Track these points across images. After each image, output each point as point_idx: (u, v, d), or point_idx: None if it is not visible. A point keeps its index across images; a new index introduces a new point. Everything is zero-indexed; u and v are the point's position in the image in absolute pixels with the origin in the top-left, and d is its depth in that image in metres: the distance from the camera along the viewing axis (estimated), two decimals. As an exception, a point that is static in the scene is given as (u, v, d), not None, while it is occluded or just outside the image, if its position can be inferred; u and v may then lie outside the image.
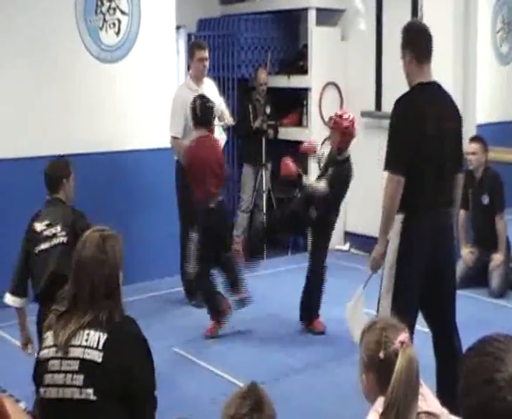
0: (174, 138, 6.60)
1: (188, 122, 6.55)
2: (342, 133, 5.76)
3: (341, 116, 5.84)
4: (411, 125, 4.02)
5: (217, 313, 5.96)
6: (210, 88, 6.85)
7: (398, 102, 4.26)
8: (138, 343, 2.80)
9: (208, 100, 6.04)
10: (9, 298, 4.52)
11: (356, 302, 4.38)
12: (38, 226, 4.44)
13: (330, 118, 6.15)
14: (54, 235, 4.38)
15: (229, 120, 6.95)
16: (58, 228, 4.38)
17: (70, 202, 4.65)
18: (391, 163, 4.06)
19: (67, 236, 4.33)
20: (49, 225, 4.42)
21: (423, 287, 4.08)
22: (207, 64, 6.76)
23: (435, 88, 4.22)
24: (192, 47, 6.87)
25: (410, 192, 4.01)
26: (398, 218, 4.08)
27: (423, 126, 4.00)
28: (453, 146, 4.18)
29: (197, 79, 6.72)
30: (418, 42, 4.16)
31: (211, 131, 6.08)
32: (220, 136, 6.84)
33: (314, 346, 5.61)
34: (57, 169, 4.69)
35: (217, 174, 5.92)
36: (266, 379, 4.81)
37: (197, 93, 6.64)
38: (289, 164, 5.97)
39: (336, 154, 5.84)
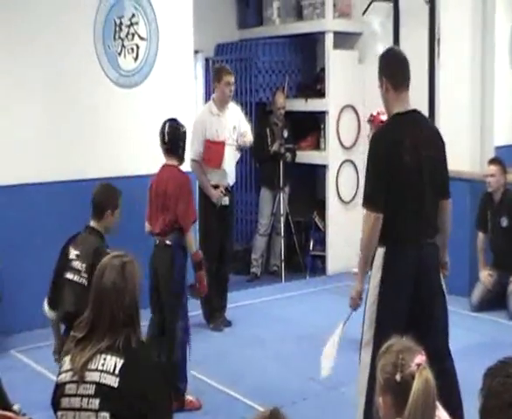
0: (194, 161, 6.63)
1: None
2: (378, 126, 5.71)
3: (378, 113, 5.81)
4: (387, 159, 3.94)
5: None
6: (235, 113, 6.86)
7: (375, 136, 4.22)
8: (155, 369, 2.80)
9: (180, 125, 5.34)
10: (45, 307, 4.59)
11: (334, 339, 4.33)
12: (71, 252, 4.47)
13: (370, 115, 6.12)
14: (79, 271, 4.40)
15: (244, 141, 6.94)
16: (84, 266, 4.39)
17: (108, 232, 4.62)
18: (369, 200, 4.00)
19: (88, 279, 4.30)
20: (78, 257, 4.43)
21: (410, 317, 3.98)
22: (233, 89, 6.77)
23: (413, 117, 4.14)
24: (220, 71, 6.83)
25: (390, 224, 3.95)
26: (380, 251, 4.00)
27: (399, 158, 3.92)
28: (435, 174, 4.06)
29: (222, 104, 6.72)
30: (394, 69, 4.11)
31: (181, 161, 5.32)
32: (234, 153, 6.86)
33: (334, 369, 5.57)
34: (105, 199, 4.65)
35: (164, 209, 5.10)
36: (284, 402, 4.81)
37: (218, 118, 6.68)
38: None
39: None
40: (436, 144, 4.14)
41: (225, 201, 6.68)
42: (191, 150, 6.56)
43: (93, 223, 4.60)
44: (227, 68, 6.91)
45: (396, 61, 4.17)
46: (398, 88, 4.06)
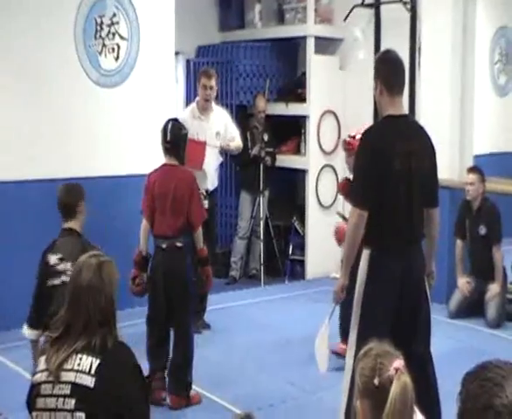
0: None
1: None
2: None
3: (353, 137, 5.71)
4: (376, 160, 3.95)
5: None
6: (220, 119, 6.76)
7: (365, 134, 4.22)
8: (131, 370, 2.77)
9: (182, 126, 5.40)
10: (25, 330, 4.51)
11: (323, 334, 4.35)
12: (52, 259, 4.40)
13: (344, 141, 6.00)
14: (65, 271, 4.32)
15: (228, 146, 6.89)
16: (69, 265, 4.30)
17: (82, 228, 4.59)
18: (354, 197, 4.05)
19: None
20: (61, 259, 4.38)
21: (394, 322, 3.98)
22: (212, 93, 6.65)
23: (405, 121, 4.17)
24: (200, 73, 6.79)
25: (377, 227, 3.96)
26: (366, 253, 4.02)
27: (389, 161, 3.93)
28: (424, 181, 4.07)
29: (202, 107, 6.64)
30: (389, 73, 4.11)
31: (182, 162, 5.30)
32: (217, 156, 6.81)
33: (312, 373, 5.57)
34: (72, 195, 4.62)
35: (174, 212, 5.08)
36: (262, 405, 4.81)
37: (199, 120, 6.60)
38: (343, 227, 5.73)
39: None
40: (427, 151, 4.13)
41: (205, 204, 6.59)
42: None
43: (68, 225, 4.54)
44: (207, 70, 6.79)
45: (392, 65, 4.16)
46: (393, 92, 4.06)
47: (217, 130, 6.70)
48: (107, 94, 7.01)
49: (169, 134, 5.22)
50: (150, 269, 5.16)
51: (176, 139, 5.23)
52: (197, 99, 6.77)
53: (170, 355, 5.13)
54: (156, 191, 5.12)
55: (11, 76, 6.45)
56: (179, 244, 5.06)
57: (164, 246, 5.07)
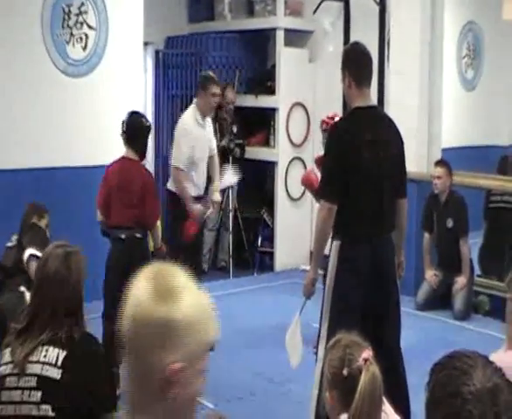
0: (177, 168, 6.03)
1: (193, 156, 6.02)
2: None
3: (332, 118, 5.72)
4: (345, 152, 3.96)
5: None
6: (209, 123, 6.35)
7: (333, 128, 4.24)
8: (98, 361, 2.75)
9: (143, 118, 5.38)
10: None
11: (294, 329, 4.35)
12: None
13: (322, 121, 5.98)
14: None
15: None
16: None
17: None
18: (323, 191, 4.07)
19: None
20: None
21: (365, 312, 3.99)
22: (217, 100, 6.35)
23: (373, 112, 4.19)
24: (207, 80, 6.19)
25: (347, 218, 3.98)
26: (336, 244, 4.04)
27: (357, 152, 3.95)
28: (393, 171, 4.10)
29: (205, 114, 6.17)
30: (357, 65, 4.12)
31: (141, 156, 5.26)
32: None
33: (280, 365, 5.57)
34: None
35: (129, 205, 5.04)
36: (231, 397, 4.80)
37: (200, 127, 6.13)
38: (311, 174, 5.77)
39: None
40: (395, 142, 4.16)
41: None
42: (176, 156, 5.97)
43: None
44: (215, 78, 6.34)
45: (360, 57, 4.17)
46: (361, 84, 4.08)
47: (209, 137, 6.32)
48: (74, 84, 6.93)
49: (125, 126, 5.21)
50: (109, 259, 5.13)
51: (132, 130, 5.19)
52: (198, 103, 6.17)
53: None
54: (113, 183, 5.12)
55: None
56: (139, 235, 5.07)
57: (123, 236, 5.05)
